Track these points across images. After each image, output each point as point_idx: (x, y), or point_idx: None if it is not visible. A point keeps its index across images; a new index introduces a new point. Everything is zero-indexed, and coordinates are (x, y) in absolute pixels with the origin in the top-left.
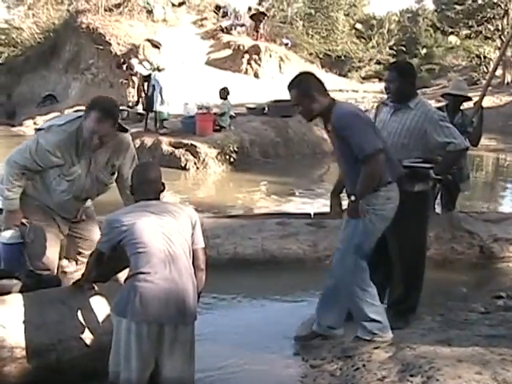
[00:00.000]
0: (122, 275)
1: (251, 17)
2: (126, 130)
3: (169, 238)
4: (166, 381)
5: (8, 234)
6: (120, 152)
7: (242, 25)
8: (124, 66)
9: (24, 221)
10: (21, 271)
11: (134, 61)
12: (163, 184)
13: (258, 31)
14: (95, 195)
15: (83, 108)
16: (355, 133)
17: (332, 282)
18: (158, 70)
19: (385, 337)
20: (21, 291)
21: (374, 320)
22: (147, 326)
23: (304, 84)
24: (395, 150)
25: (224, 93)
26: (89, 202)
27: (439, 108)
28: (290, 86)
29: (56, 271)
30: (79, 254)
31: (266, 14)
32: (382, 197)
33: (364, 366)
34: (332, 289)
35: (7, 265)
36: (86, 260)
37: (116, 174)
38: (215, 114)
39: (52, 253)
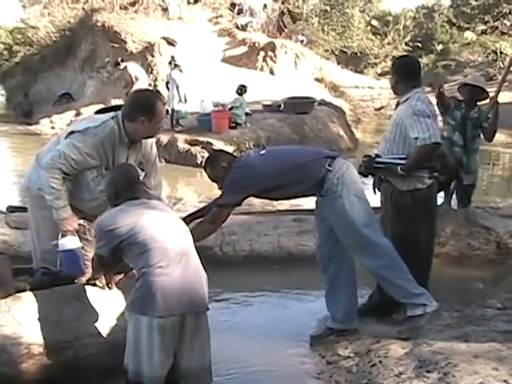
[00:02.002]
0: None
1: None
2: None
3: (175, 231)
4: (186, 370)
5: (67, 241)
6: (145, 149)
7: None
8: (121, 66)
9: (81, 222)
10: (82, 275)
11: (130, 65)
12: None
13: (283, 29)
14: None
15: (100, 107)
16: (225, 189)
17: (329, 276)
18: (175, 66)
19: (433, 305)
20: (37, 288)
21: (418, 294)
22: (171, 319)
23: (213, 162)
24: (385, 146)
25: (242, 89)
26: None
27: (460, 100)
28: (204, 168)
29: None
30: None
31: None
32: (333, 185)
33: (380, 362)
34: (332, 282)
35: (70, 271)
36: (88, 263)
37: (144, 171)
38: (230, 108)
39: None
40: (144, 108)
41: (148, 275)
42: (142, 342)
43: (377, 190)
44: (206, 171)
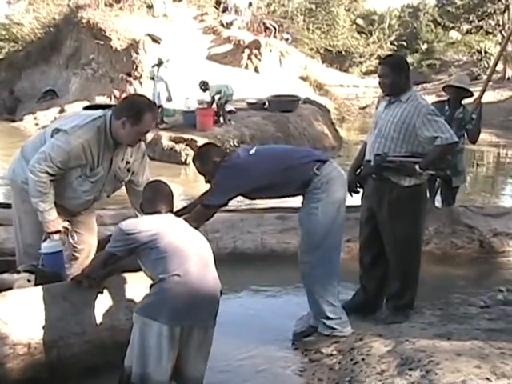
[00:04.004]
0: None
1: None
2: None
3: (197, 241)
4: (188, 379)
5: (49, 244)
6: (132, 148)
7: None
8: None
9: (66, 224)
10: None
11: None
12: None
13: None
14: (112, 193)
15: (86, 104)
16: (213, 188)
17: None
18: (160, 64)
19: (344, 332)
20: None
21: (330, 318)
22: (180, 328)
23: (204, 155)
24: (385, 144)
25: (205, 85)
26: None
27: (441, 102)
28: (193, 160)
29: None
30: (73, 247)
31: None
32: (316, 188)
33: (363, 359)
34: None
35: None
36: (78, 255)
37: (131, 171)
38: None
39: None
40: (131, 110)
41: (165, 282)
42: (150, 347)
43: (353, 192)
44: (194, 163)
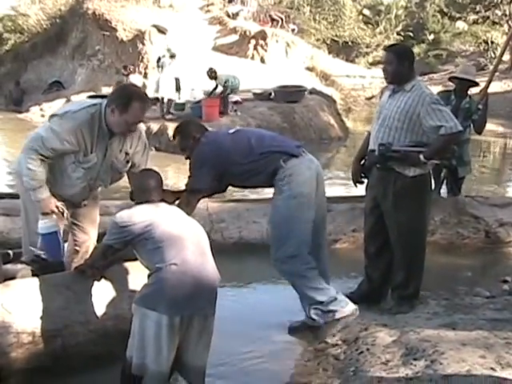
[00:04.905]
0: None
1: None
2: None
3: (193, 229)
4: (190, 368)
5: (43, 224)
6: (132, 139)
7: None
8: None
9: (59, 204)
10: (61, 258)
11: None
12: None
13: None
14: (109, 183)
15: (92, 93)
16: (193, 169)
17: None
18: (173, 56)
19: (346, 311)
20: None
21: (323, 302)
22: (180, 318)
23: (185, 130)
24: (389, 133)
25: (212, 73)
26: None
27: (447, 91)
28: (174, 135)
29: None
30: (74, 240)
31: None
32: (280, 179)
33: (368, 349)
34: None
35: (48, 254)
36: (78, 248)
37: (130, 163)
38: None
39: None
40: (119, 99)
41: (162, 272)
42: (149, 338)
43: (358, 182)
44: (174, 138)
